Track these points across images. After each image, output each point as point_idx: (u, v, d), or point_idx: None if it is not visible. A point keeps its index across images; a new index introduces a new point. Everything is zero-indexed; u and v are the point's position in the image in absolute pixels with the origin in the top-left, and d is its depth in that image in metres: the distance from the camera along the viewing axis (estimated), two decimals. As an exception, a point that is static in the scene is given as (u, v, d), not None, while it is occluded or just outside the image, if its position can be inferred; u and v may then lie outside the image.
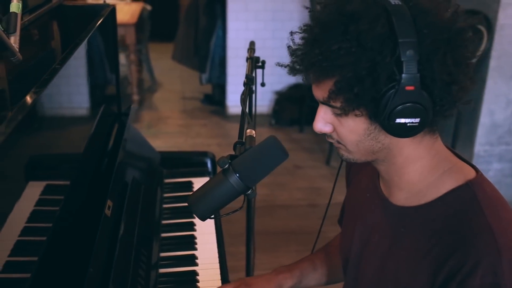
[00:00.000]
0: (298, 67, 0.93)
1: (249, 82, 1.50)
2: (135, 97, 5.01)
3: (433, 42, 0.85)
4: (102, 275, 1.11)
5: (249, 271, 2.05)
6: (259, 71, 1.78)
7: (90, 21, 1.65)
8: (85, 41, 1.64)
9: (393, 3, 0.87)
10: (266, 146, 1.05)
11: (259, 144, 1.06)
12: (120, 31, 4.77)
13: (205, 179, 1.94)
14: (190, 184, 1.88)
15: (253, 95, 1.82)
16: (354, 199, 1.20)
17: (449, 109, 0.90)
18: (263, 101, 4.82)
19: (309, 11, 0.94)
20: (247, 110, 1.33)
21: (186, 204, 1.74)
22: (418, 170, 0.98)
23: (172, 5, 6.88)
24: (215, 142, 4.31)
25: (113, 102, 1.90)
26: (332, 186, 1.28)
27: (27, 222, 1.10)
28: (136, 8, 5.30)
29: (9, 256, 1.01)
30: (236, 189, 1.03)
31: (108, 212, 1.22)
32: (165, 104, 5.25)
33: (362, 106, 0.89)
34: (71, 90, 1.68)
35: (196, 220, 1.67)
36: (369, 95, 0.87)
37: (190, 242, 1.56)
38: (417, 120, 0.87)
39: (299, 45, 0.94)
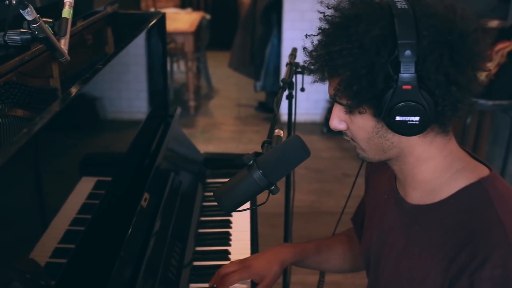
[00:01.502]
0: (312, 67, 0.99)
1: (285, 86, 1.56)
2: (192, 103, 5.17)
3: (430, 44, 0.88)
4: (135, 261, 1.20)
5: (285, 274, 2.10)
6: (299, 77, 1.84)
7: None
8: (144, 48, 1.76)
9: (399, 7, 0.90)
10: (289, 144, 1.10)
11: (283, 142, 1.12)
12: (179, 39, 4.95)
13: (246, 181, 2.01)
14: (230, 185, 1.95)
15: (293, 100, 1.88)
16: (372, 201, 1.24)
17: (451, 109, 0.92)
18: (316, 110, 4.86)
19: (324, 16, 0.99)
20: (279, 112, 1.39)
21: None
22: (430, 170, 1.01)
23: (232, 14, 7.04)
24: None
25: (169, 107, 2.02)
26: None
27: (78, 213, 1.20)
28: (196, 17, 5.48)
29: (59, 243, 1.12)
30: (259, 184, 1.09)
31: (144, 203, 1.31)
32: (220, 111, 5.39)
33: (364, 104, 0.94)
34: (131, 95, 1.81)
35: (233, 218, 1.74)
36: (368, 93, 0.91)
37: (225, 238, 1.63)
38: (417, 118, 0.90)
39: (315, 46, 1.00)
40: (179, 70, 6.20)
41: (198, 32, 5.29)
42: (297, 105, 1.90)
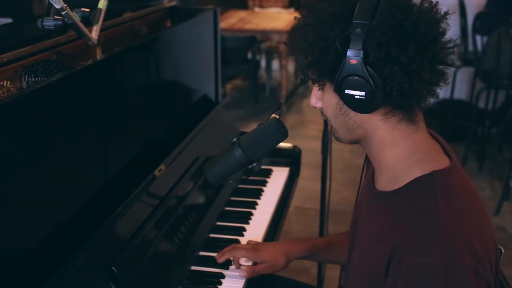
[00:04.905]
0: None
1: (302, 82, 1.69)
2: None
3: (377, 24, 0.94)
4: (141, 222, 1.37)
5: (320, 268, 2.18)
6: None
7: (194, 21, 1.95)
8: (213, 41, 1.99)
9: None
10: (268, 126, 1.22)
11: (263, 124, 1.23)
12: (275, 38, 5.13)
13: (285, 169, 2.13)
14: (269, 172, 2.08)
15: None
16: (361, 190, 1.30)
17: (399, 91, 0.95)
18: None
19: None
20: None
21: (257, 186, 1.95)
22: (393, 156, 1.05)
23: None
24: (348, 148, 4.39)
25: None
26: None
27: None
28: (295, 17, 5.62)
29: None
30: (239, 161, 1.22)
31: (157, 173, 1.49)
32: (311, 110, 5.41)
33: (324, 77, 1.02)
34: (183, 80, 2.02)
35: (260, 201, 1.86)
36: (324, 66, 0.99)
37: (246, 218, 1.76)
38: (363, 93, 0.96)
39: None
40: (280, 69, 6.37)
41: (295, 31, 5.41)
42: (291, 94, 1.97)
